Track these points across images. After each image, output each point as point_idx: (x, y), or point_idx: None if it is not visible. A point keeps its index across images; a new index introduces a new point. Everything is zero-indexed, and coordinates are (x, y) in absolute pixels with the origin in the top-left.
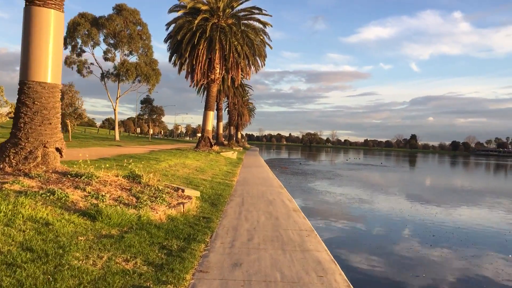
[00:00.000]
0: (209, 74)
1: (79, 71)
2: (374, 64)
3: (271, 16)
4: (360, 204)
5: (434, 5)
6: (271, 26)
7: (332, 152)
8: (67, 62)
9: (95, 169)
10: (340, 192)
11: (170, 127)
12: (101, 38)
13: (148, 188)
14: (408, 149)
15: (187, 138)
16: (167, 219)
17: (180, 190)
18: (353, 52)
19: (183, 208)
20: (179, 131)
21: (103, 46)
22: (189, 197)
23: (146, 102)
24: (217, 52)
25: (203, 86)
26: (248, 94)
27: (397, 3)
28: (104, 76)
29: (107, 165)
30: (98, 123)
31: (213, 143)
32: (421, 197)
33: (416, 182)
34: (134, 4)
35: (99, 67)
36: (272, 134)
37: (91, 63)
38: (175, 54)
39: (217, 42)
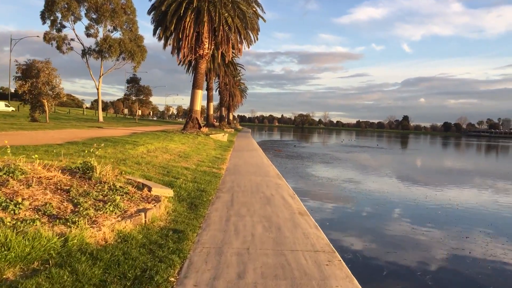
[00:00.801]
0: (197, 49)
1: (59, 48)
2: (366, 45)
3: None
4: (380, 199)
5: None
6: None
7: (324, 133)
8: (46, 38)
9: (44, 157)
10: (345, 179)
11: (161, 108)
12: (83, 12)
13: (100, 187)
14: (400, 130)
15: (179, 120)
16: (116, 239)
17: (146, 188)
18: (345, 33)
19: (145, 217)
20: (170, 113)
21: (85, 22)
22: (157, 199)
23: (133, 81)
24: (206, 24)
25: (191, 64)
26: (240, 74)
27: None
28: (85, 53)
29: (63, 151)
30: (88, 105)
31: (202, 125)
32: (444, 181)
33: (425, 166)
34: None
35: (81, 43)
36: (264, 116)
37: (72, 39)
38: (159, 27)
39: (206, 14)
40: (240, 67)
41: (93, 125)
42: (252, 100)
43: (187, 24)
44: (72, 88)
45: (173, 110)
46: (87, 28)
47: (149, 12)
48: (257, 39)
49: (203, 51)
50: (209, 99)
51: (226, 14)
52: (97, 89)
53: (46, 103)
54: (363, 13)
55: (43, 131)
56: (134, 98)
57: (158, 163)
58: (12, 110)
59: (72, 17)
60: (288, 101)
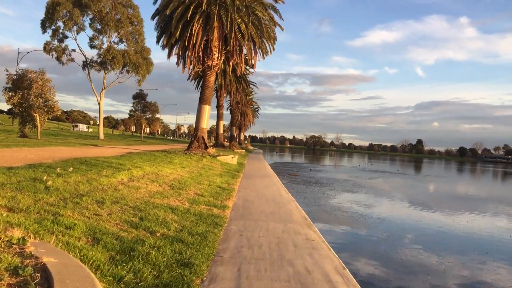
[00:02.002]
0: (205, 59)
1: (58, 58)
2: (379, 68)
3: None
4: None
5: (440, 10)
6: (283, 2)
7: (337, 156)
8: (46, 48)
9: None
10: (388, 218)
11: (173, 127)
12: (87, 23)
13: None
14: (414, 154)
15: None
16: None
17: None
18: (358, 55)
19: None
20: (181, 131)
21: (89, 32)
22: None
23: (139, 97)
24: (216, 31)
25: (200, 77)
26: (253, 93)
27: (403, 7)
28: (87, 64)
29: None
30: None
31: (208, 145)
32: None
33: (467, 195)
34: None
35: (83, 54)
36: (276, 136)
37: (73, 50)
38: (164, 34)
39: (216, 19)
40: (253, 85)
41: (89, 143)
42: (263, 121)
43: (195, 30)
44: (86, 105)
45: (184, 129)
46: (91, 39)
47: (152, 17)
48: (274, 49)
49: (212, 62)
50: (219, 117)
51: (239, 20)
52: (99, 103)
53: (37, 117)
54: (376, 36)
55: (19, 149)
56: (140, 114)
57: (135, 200)
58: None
59: (75, 27)
60: (300, 122)
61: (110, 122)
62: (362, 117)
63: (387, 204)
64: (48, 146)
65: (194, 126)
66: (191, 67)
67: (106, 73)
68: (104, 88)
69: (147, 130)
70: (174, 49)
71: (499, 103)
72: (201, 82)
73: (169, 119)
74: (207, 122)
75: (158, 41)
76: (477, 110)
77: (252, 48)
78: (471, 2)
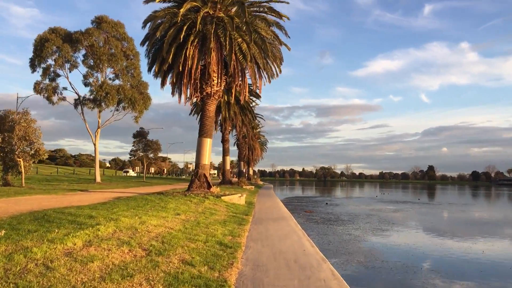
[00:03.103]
0: (203, 86)
1: (48, 98)
2: (383, 96)
3: (287, 3)
4: None
5: (440, 36)
6: (288, 19)
7: (348, 186)
8: (37, 88)
9: None
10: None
11: (181, 165)
12: (80, 59)
13: None
14: (426, 181)
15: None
16: None
17: None
18: (362, 85)
19: None
20: (190, 170)
21: (83, 70)
22: None
23: (139, 135)
24: (213, 53)
25: (198, 107)
26: (260, 126)
27: (403, 36)
28: (80, 102)
29: None
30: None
31: (211, 183)
32: None
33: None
34: (123, 19)
35: (75, 92)
36: (285, 170)
37: (64, 88)
38: (155, 61)
39: (213, 39)
40: (260, 117)
41: (79, 188)
42: (272, 155)
43: (189, 54)
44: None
45: (193, 167)
46: (85, 76)
47: (142, 43)
48: (280, 71)
49: (211, 89)
50: (225, 152)
51: (240, 40)
52: (94, 144)
53: (21, 162)
54: (379, 65)
55: None
56: (141, 154)
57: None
58: None
59: (67, 64)
60: (308, 154)
61: (118, 164)
62: (370, 146)
63: (434, 243)
64: (27, 194)
65: (194, 163)
66: (188, 96)
67: (100, 111)
68: (99, 127)
69: (152, 169)
70: (168, 78)
71: (507, 125)
72: (200, 112)
73: (178, 158)
74: (209, 157)
75: (149, 69)
76: (485, 133)
77: (255, 70)
78: (470, 27)
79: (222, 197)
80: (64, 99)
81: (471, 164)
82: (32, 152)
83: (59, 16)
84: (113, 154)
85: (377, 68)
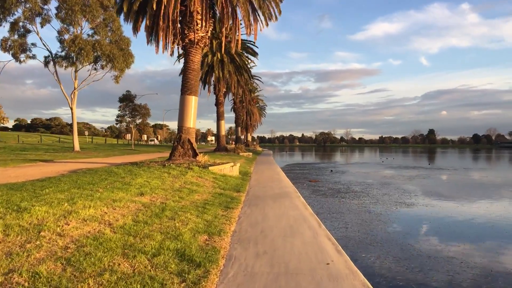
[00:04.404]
0: (185, 31)
1: (14, 55)
2: (383, 60)
3: None
4: None
5: None
6: None
7: (349, 151)
8: (3, 45)
9: None
10: None
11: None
12: (52, 13)
13: None
14: (427, 145)
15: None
16: None
17: None
18: (361, 49)
19: None
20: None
21: (57, 25)
22: None
23: (126, 99)
24: None
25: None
26: (258, 89)
27: None
28: (51, 59)
29: None
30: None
31: (197, 151)
32: None
33: None
34: None
35: (47, 49)
36: (284, 136)
37: (33, 44)
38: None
39: None
40: (257, 79)
41: (47, 158)
42: (271, 121)
43: None
44: (94, 117)
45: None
46: (60, 33)
47: None
48: (280, 12)
49: (194, 35)
50: (219, 116)
51: None
52: (71, 108)
53: None
54: (378, 29)
55: None
56: (128, 119)
57: None
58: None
59: (38, 18)
60: (308, 119)
61: (114, 132)
62: (369, 111)
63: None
64: None
65: (177, 126)
66: (168, 44)
67: (76, 71)
68: (76, 89)
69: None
70: (143, 22)
71: (507, 87)
72: (183, 65)
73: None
74: (195, 119)
75: (119, 12)
76: (485, 96)
77: (249, 11)
78: None
79: (210, 168)
80: (33, 57)
81: (471, 127)
82: None
83: None
84: (111, 122)
85: (376, 31)
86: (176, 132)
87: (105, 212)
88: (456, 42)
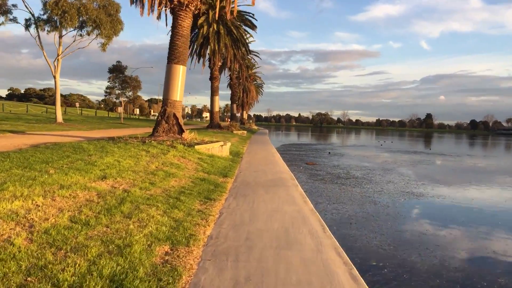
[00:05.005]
0: None
1: None
2: (383, 42)
3: None
4: None
5: None
6: None
7: (344, 132)
8: None
9: None
10: None
11: None
12: None
13: None
14: (424, 129)
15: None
16: None
17: None
18: (362, 30)
19: None
20: (185, 113)
21: None
22: None
23: (116, 70)
24: None
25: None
26: (256, 66)
27: None
28: (35, 23)
29: None
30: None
31: (184, 127)
32: None
33: None
34: None
35: (29, 12)
36: (281, 115)
37: (14, 5)
38: None
39: None
40: (255, 55)
41: (19, 129)
42: (268, 100)
43: None
44: (90, 89)
45: (188, 110)
46: None
47: None
48: None
49: None
50: (213, 91)
51: None
52: (54, 77)
53: None
54: (380, 10)
55: None
56: (118, 91)
57: None
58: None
59: None
60: (305, 100)
61: (108, 105)
62: (367, 93)
63: None
64: None
65: (162, 99)
66: (155, 6)
67: (60, 36)
68: (59, 55)
69: (137, 111)
70: None
71: (506, 74)
72: (171, 30)
73: None
74: (182, 91)
75: None
76: (484, 82)
77: None
78: None
79: (197, 147)
80: (14, 20)
81: (468, 113)
82: None
83: None
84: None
85: (378, 12)
86: (161, 106)
87: (36, 205)
88: (457, 27)
